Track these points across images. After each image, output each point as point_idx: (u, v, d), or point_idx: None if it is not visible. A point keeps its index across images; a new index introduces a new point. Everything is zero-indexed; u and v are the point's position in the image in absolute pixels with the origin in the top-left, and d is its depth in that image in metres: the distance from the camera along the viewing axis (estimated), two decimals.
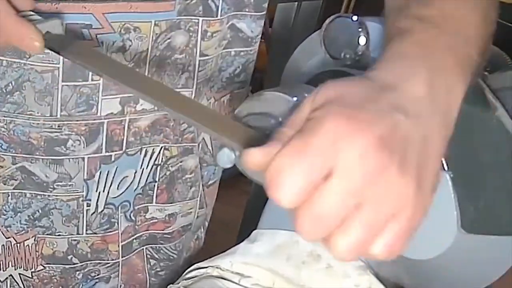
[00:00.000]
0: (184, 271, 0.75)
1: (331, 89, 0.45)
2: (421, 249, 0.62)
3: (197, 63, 0.74)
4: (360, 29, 0.60)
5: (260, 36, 0.79)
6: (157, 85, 0.57)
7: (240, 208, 1.12)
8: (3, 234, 0.77)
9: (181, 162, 0.81)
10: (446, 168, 0.59)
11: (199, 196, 0.86)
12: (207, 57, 0.75)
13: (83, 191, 0.76)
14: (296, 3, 1.21)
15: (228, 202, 0.93)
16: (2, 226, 0.77)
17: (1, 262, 0.79)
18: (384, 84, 0.46)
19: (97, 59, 0.58)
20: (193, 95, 0.76)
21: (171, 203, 0.83)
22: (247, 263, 0.71)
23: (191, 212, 0.86)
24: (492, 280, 0.66)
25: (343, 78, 0.47)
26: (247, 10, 0.75)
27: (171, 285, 0.73)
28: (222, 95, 0.80)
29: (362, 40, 0.60)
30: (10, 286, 0.80)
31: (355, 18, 0.60)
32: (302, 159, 0.41)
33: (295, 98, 0.55)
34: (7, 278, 0.80)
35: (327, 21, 0.61)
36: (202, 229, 0.92)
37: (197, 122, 0.49)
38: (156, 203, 0.82)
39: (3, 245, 0.78)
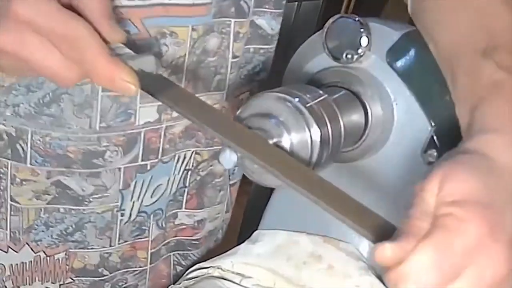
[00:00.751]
0: None
1: (461, 182, 0.45)
2: None
3: (229, 65, 0.72)
4: (361, 30, 0.60)
5: (278, 33, 0.76)
6: (266, 146, 0.53)
7: (241, 208, 1.12)
8: (32, 250, 0.75)
9: (211, 166, 0.79)
10: None
11: (226, 200, 0.84)
12: (237, 59, 0.73)
13: (118, 202, 0.74)
14: (296, 3, 1.21)
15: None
16: (32, 241, 0.74)
17: (28, 277, 0.76)
18: (506, 169, 0.47)
19: (193, 105, 0.54)
20: (225, 97, 0.74)
21: (200, 208, 0.81)
22: (248, 263, 0.71)
23: (218, 217, 0.84)
24: None
25: (465, 163, 0.46)
26: (267, 6, 0.73)
27: (172, 285, 0.73)
28: (240, 93, 0.78)
29: (364, 41, 0.60)
30: None
31: (356, 18, 0.60)
32: (443, 259, 0.42)
33: (296, 99, 0.55)
34: None
35: (329, 21, 0.61)
36: (222, 230, 0.90)
37: (327, 205, 0.48)
38: (185, 208, 0.80)
39: (31, 261, 0.75)
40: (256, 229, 0.74)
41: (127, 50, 0.55)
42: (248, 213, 1.09)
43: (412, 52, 0.61)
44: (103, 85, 0.53)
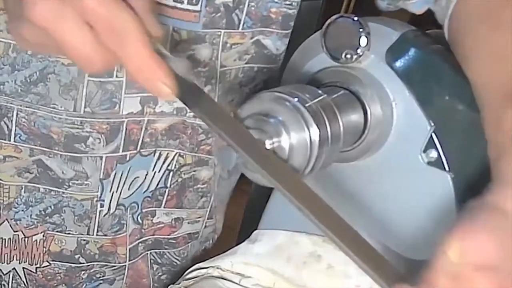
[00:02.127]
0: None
1: (480, 245, 0.47)
2: (421, 249, 0.62)
3: (218, 75, 0.73)
4: (361, 30, 0.60)
5: (283, 54, 0.77)
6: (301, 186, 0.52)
7: (240, 208, 1.12)
8: (11, 228, 0.76)
9: (194, 171, 0.80)
10: (447, 168, 0.59)
11: (209, 206, 0.85)
12: (225, 68, 0.73)
13: (97, 191, 0.75)
14: None
15: (228, 202, 0.93)
16: (11, 219, 0.76)
17: (6, 255, 0.78)
18: None
19: (223, 120, 0.53)
20: None
21: (179, 208, 0.82)
22: (247, 263, 0.71)
23: (199, 220, 0.85)
24: None
25: (478, 218, 0.48)
26: (274, 27, 0.73)
27: (171, 285, 0.73)
28: None
29: (363, 41, 0.60)
30: (13, 280, 0.80)
31: (356, 18, 0.60)
32: None
33: (296, 99, 0.55)
34: (10, 271, 0.79)
35: (328, 21, 0.61)
36: (211, 241, 0.91)
37: (350, 252, 0.49)
38: (164, 207, 0.81)
39: (10, 238, 0.77)
40: (256, 229, 0.74)
41: (164, 51, 0.51)
42: (248, 213, 1.09)
43: (411, 52, 0.61)
44: (138, 80, 0.50)
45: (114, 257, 0.80)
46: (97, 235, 0.78)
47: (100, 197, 0.76)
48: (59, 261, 0.79)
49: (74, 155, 0.72)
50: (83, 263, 0.80)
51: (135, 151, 0.74)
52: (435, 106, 0.60)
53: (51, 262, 0.79)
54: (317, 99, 0.56)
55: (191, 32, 0.69)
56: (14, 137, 0.72)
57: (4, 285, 0.80)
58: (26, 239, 0.77)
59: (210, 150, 0.79)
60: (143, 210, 0.79)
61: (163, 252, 0.85)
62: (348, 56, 0.61)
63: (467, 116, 0.59)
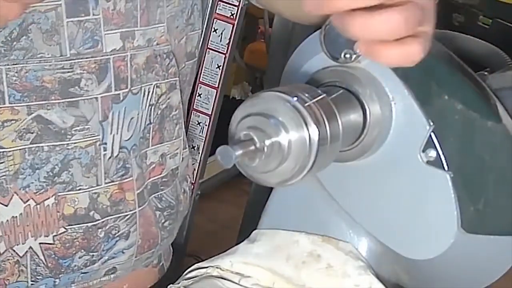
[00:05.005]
0: (183, 231, 0.75)
1: None
2: (421, 249, 0.62)
3: None
4: None
5: None
6: None
7: (240, 208, 1.12)
8: (21, 199, 0.75)
9: (168, 99, 0.83)
10: (446, 168, 0.59)
11: (183, 135, 0.88)
12: None
13: (99, 135, 0.76)
14: None
15: (228, 202, 0.93)
16: (20, 189, 0.75)
17: (20, 235, 0.77)
18: None
19: None
20: (166, 30, 0.80)
21: (161, 143, 0.85)
22: (247, 263, 0.71)
23: (177, 153, 0.87)
24: (492, 280, 0.66)
25: None
26: None
27: (171, 285, 0.73)
28: (181, 37, 0.85)
29: None
30: (31, 260, 0.78)
31: None
32: None
33: (295, 98, 0.55)
34: (26, 252, 0.78)
35: (328, 21, 0.61)
36: (187, 183, 0.93)
37: None
38: (151, 146, 0.83)
39: (21, 213, 0.76)
40: (255, 229, 0.74)
41: None
42: (248, 213, 1.09)
43: None
44: None
45: (124, 205, 0.81)
46: (105, 183, 0.78)
47: (102, 140, 0.77)
48: (75, 224, 0.78)
49: (71, 99, 0.74)
50: (98, 220, 0.79)
51: (126, 90, 0.76)
52: (434, 106, 0.60)
53: (67, 227, 0.78)
54: (316, 99, 0.56)
55: None
56: (9, 99, 0.72)
57: (22, 270, 0.78)
58: (38, 206, 0.76)
59: (175, 71, 0.83)
60: (140, 152, 0.81)
61: (161, 194, 0.86)
62: (347, 55, 0.61)
63: (466, 115, 0.60)
